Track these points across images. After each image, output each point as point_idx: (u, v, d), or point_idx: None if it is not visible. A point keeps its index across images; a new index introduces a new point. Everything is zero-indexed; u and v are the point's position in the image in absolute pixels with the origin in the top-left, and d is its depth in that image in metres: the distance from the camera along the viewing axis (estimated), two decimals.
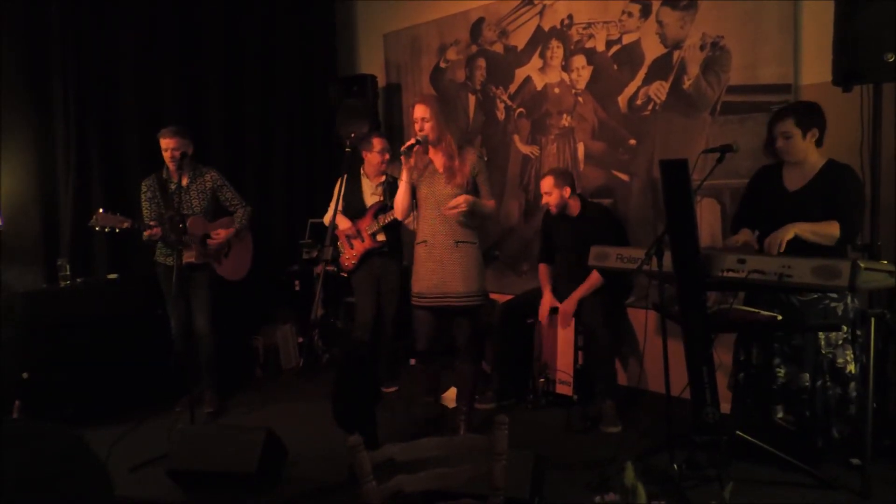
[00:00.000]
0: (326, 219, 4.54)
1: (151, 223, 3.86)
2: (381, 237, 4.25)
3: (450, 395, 4.26)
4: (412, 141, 3.25)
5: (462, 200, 3.20)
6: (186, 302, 4.03)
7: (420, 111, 3.26)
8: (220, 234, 4.14)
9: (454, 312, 3.40)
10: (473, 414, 3.64)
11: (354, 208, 4.29)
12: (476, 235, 3.37)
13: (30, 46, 4.13)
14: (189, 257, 4.02)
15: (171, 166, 3.97)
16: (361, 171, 4.40)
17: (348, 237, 4.29)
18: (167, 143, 3.92)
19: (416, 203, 3.45)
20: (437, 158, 3.33)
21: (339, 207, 4.37)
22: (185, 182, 4.05)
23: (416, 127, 3.28)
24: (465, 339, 3.44)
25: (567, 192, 3.90)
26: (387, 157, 4.30)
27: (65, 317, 3.93)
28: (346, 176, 4.43)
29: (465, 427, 3.50)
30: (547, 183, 3.90)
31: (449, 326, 3.48)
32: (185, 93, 4.84)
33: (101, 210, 3.78)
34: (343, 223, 4.27)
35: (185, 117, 4.63)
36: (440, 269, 3.31)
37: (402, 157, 3.27)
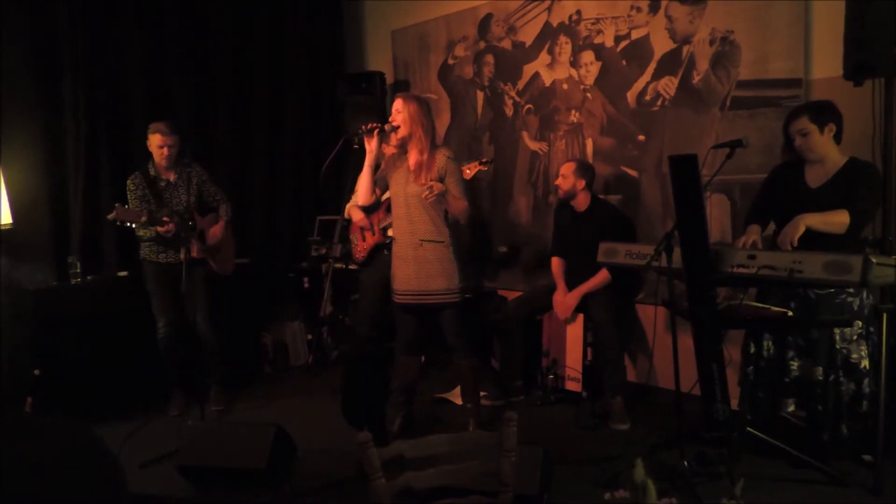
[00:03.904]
0: (345, 211, 4.55)
1: (165, 219, 3.80)
2: (391, 232, 4.26)
3: (457, 393, 4.26)
4: (376, 124, 3.27)
5: (434, 185, 3.18)
6: (185, 300, 3.95)
7: (396, 104, 3.31)
8: (217, 232, 4.13)
9: (429, 310, 3.40)
10: (481, 410, 3.64)
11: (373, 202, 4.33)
12: (446, 234, 3.34)
13: (39, 45, 4.15)
14: (191, 253, 4.02)
15: (165, 163, 3.96)
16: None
17: (361, 229, 4.31)
18: (164, 140, 3.89)
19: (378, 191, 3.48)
20: (411, 156, 3.32)
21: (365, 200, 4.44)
22: (172, 178, 4.03)
23: (391, 118, 3.31)
24: (454, 336, 3.42)
25: (581, 185, 3.91)
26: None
27: (76, 314, 3.96)
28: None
29: (473, 423, 3.50)
30: (568, 168, 3.93)
31: (432, 324, 3.47)
32: (193, 89, 4.85)
33: (117, 204, 3.73)
34: (357, 215, 4.30)
35: (194, 114, 4.66)
36: (407, 267, 3.33)
37: (365, 138, 3.28)
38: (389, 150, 3.50)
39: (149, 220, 3.78)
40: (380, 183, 3.42)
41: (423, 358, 4.57)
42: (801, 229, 2.79)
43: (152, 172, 4.00)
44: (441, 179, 3.26)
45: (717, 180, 3.31)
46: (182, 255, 3.85)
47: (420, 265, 3.30)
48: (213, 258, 4.16)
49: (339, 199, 4.73)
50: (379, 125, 3.28)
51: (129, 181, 3.98)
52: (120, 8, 4.47)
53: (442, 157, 3.28)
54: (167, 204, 3.95)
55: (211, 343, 4.15)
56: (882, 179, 2.94)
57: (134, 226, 3.81)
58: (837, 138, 2.97)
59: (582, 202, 3.96)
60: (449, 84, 5.22)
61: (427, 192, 3.18)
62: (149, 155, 4.02)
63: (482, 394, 4.16)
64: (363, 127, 3.29)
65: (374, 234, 4.25)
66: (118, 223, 3.72)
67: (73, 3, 4.22)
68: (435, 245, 3.30)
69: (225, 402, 4.18)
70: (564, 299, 3.91)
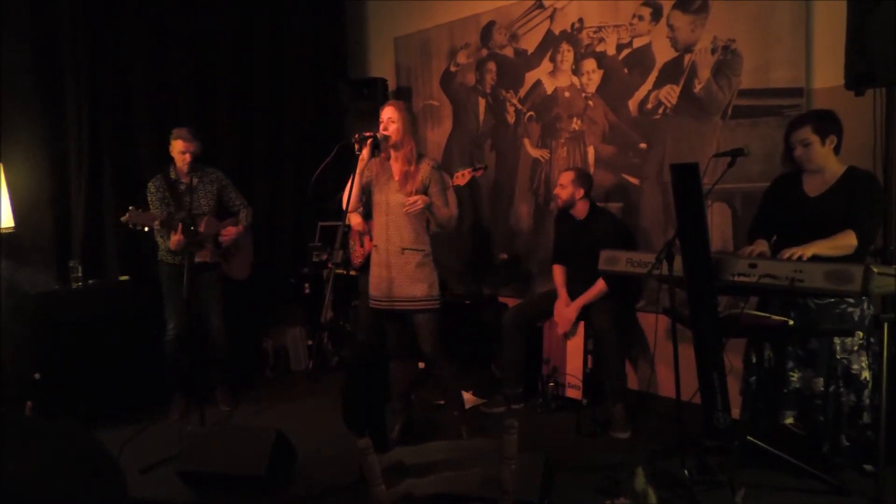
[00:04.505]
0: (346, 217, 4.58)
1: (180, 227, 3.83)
2: None
3: None
4: (369, 133, 3.28)
5: (419, 198, 3.23)
6: (195, 303, 4.01)
7: (388, 112, 3.32)
8: (231, 232, 4.16)
9: (406, 317, 3.40)
10: (470, 414, 3.64)
11: (370, 207, 4.34)
12: (427, 243, 3.39)
13: (41, 47, 4.16)
14: (202, 257, 4.05)
15: (186, 168, 4.01)
16: None
17: (360, 234, 4.33)
18: (187, 146, 3.95)
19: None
20: (396, 165, 3.35)
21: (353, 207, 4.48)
22: (192, 182, 4.07)
23: (381, 126, 3.31)
24: (429, 342, 3.37)
25: (580, 194, 3.93)
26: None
27: (77, 318, 3.95)
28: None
29: (465, 430, 3.47)
30: (567, 177, 3.95)
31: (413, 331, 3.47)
32: (195, 94, 4.86)
33: (131, 207, 3.75)
34: (355, 220, 4.33)
35: (196, 118, 4.65)
36: (388, 275, 3.33)
37: (356, 146, 3.27)
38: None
39: (164, 224, 3.80)
40: (364, 190, 3.44)
41: (421, 364, 4.58)
42: (808, 254, 2.75)
43: (172, 175, 4.04)
44: (425, 189, 3.31)
45: (719, 189, 3.32)
46: (197, 258, 3.94)
47: (400, 272, 3.32)
48: (227, 262, 4.20)
49: (339, 204, 4.74)
50: (373, 134, 3.28)
51: (149, 184, 4.03)
52: (122, 10, 4.48)
53: (427, 167, 3.33)
54: (185, 207, 3.99)
55: (221, 345, 4.21)
56: (882, 189, 2.94)
57: (148, 230, 3.84)
58: (837, 150, 2.97)
59: (581, 210, 3.97)
60: (451, 91, 5.24)
61: (409, 206, 3.22)
62: (152, 158, 4.03)
63: (482, 401, 4.17)
64: (356, 135, 3.29)
65: (371, 239, 4.26)
66: (130, 226, 3.75)
67: (75, 6, 4.23)
68: (415, 253, 3.33)
69: (231, 403, 4.24)
70: (564, 312, 3.91)
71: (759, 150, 3.57)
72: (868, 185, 2.91)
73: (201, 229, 4.01)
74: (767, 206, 3.21)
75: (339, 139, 5.37)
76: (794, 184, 3.08)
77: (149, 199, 4.01)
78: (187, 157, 3.97)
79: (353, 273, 4.47)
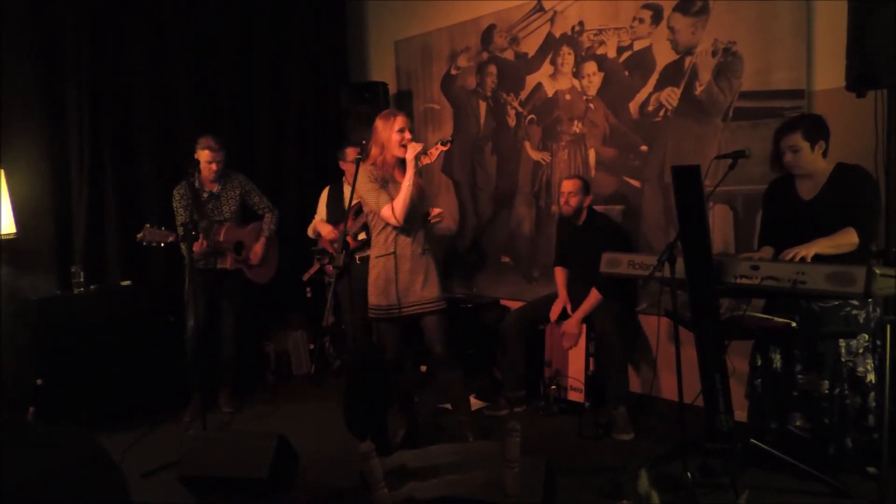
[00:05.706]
0: (309, 230, 4.62)
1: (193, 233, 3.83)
2: (361, 236, 4.32)
3: None
4: (423, 146, 3.32)
5: (443, 210, 3.42)
6: (208, 305, 4.09)
7: (405, 122, 3.33)
8: (258, 252, 4.27)
9: (409, 321, 3.40)
10: (476, 418, 3.64)
11: (339, 215, 4.37)
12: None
13: (44, 54, 4.17)
14: (223, 263, 4.13)
15: (212, 176, 4.07)
16: (343, 180, 4.55)
17: (331, 242, 4.38)
18: (214, 156, 4.01)
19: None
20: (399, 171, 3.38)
21: (324, 217, 4.58)
22: (215, 189, 4.12)
23: (401, 136, 3.28)
24: (440, 344, 3.37)
25: (588, 201, 3.99)
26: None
27: (78, 323, 3.96)
28: (329, 188, 4.60)
29: (472, 434, 3.47)
30: (574, 185, 3.97)
31: (419, 334, 3.45)
32: (197, 99, 4.86)
33: (147, 225, 3.79)
34: (325, 228, 4.40)
35: (198, 124, 4.66)
36: (410, 279, 3.31)
37: (419, 161, 3.28)
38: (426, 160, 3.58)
39: (184, 236, 3.79)
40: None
41: (423, 367, 4.58)
42: (810, 254, 2.76)
43: (197, 184, 4.07)
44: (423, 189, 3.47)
45: (720, 191, 3.32)
46: (218, 265, 4.10)
47: (424, 275, 3.34)
48: (250, 268, 4.28)
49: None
50: (423, 146, 3.35)
51: (175, 191, 4.09)
52: (124, 17, 4.49)
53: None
54: (207, 215, 4.04)
55: (228, 349, 4.27)
56: (874, 181, 2.93)
57: (163, 244, 3.85)
58: (825, 154, 2.98)
59: (581, 216, 4.00)
60: (451, 94, 5.24)
61: (436, 218, 3.41)
62: (153, 162, 4.03)
63: (484, 404, 4.17)
64: (419, 150, 3.28)
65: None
66: (144, 244, 3.78)
67: (78, 13, 4.24)
68: (432, 254, 3.42)
69: (234, 405, 4.28)
70: (569, 329, 3.92)
71: (760, 151, 3.55)
72: (860, 180, 2.91)
73: (220, 237, 4.06)
74: (768, 212, 3.22)
75: (340, 143, 5.42)
76: (788, 187, 3.09)
77: (173, 205, 4.08)
78: (214, 166, 4.03)
79: (330, 281, 4.50)
